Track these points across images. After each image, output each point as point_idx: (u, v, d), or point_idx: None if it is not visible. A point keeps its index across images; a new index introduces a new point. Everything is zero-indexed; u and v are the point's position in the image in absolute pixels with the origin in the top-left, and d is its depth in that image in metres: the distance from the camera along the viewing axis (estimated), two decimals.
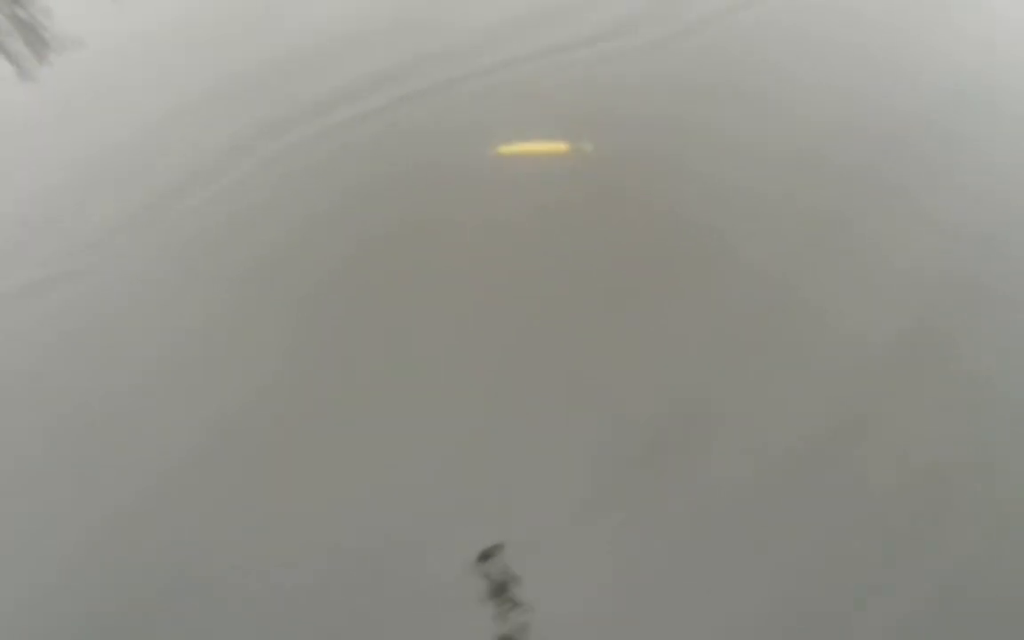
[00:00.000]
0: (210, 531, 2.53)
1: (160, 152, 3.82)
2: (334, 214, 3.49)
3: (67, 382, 2.97)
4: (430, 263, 3.26)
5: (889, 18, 4.36)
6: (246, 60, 4.31)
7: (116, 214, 3.56)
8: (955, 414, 2.68)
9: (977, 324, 2.91)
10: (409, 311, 3.09)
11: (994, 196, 3.37)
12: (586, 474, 2.59)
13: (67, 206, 3.63)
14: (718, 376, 2.82)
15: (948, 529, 2.42)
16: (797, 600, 2.33)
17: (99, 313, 3.20)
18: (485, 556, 2.41)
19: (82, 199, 3.65)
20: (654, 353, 2.91)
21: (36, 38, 4.76)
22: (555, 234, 3.35)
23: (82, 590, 2.43)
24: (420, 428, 2.73)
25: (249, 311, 3.13)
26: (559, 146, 3.63)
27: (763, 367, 2.84)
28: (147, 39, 4.62)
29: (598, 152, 3.61)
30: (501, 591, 2.36)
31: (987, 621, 2.26)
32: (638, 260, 3.23)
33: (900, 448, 2.61)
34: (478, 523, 2.49)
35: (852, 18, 4.38)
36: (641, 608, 2.33)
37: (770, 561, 2.40)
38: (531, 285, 3.16)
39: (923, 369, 2.80)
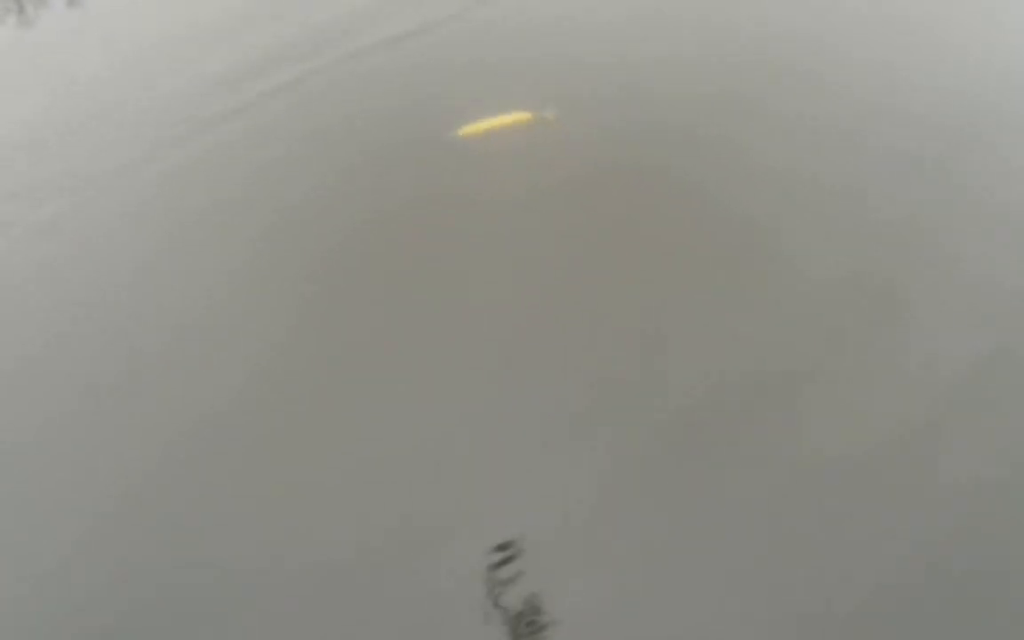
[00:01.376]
0: (211, 517, 2.48)
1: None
2: (336, 191, 3.43)
3: (64, 367, 2.91)
4: (444, 241, 3.18)
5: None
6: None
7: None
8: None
9: None
10: (424, 290, 3.02)
11: None
12: (605, 467, 2.48)
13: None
14: (753, 369, 2.70)
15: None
16: (831, 607, 2.23)
17: (98, 295, 3.19)
18: (500, 550, 2.32)
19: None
20: (683, 339, 2.80)
21: None
22: (576, 209, 3.25)
23: (84, 577, 2.38)
24: (433, 410, 2.64)
25: (255, 291, 3.06)
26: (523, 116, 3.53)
27: (812, 362, 2.72)
28: None
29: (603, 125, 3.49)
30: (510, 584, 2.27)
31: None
32: (664, 241, 3.12)
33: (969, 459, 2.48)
34: (492, 514, 2.40)
35: None
36: (655, 607, 2.24)
37: (805, 563, 2.29)
38: (547, 263, 3.07)
39: (999, 383, 2.66)
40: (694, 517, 2.37)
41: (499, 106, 3.56)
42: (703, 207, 3.19)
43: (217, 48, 4.25)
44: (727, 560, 2.30)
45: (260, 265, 3.19)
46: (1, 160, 3.75)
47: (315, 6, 4.33)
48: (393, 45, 3.95)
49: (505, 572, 2.28)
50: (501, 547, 2.33)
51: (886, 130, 3.46)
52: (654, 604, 2.24)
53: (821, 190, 3.24)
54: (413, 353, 2.82)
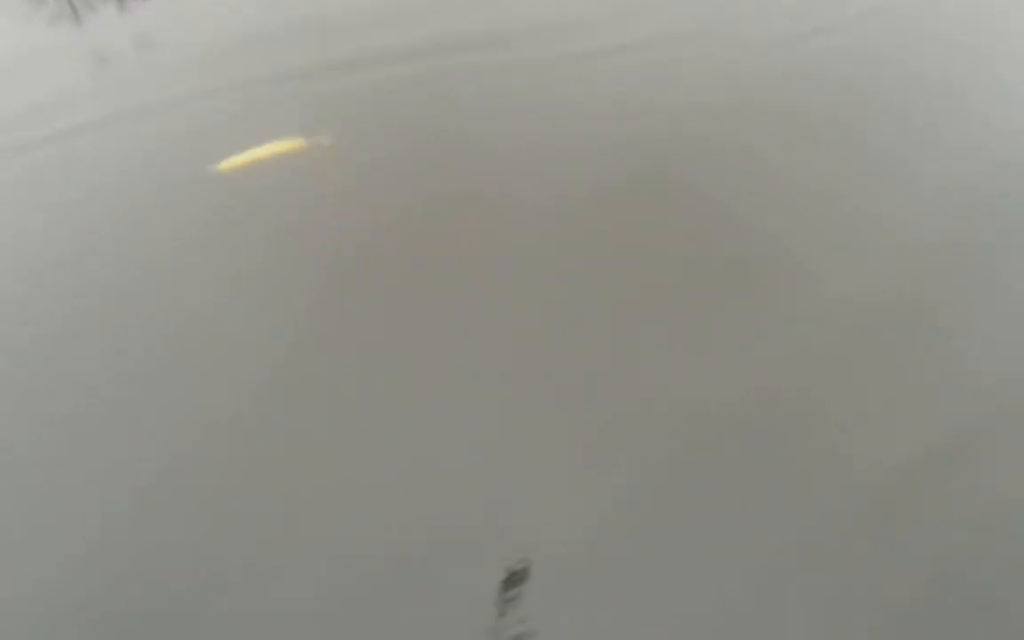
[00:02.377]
0: (219, 519, 2.40)
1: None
2: (351, 193, 3.37)
3: (66, 363, 2.80)
4: (456, 245, 3.10)
5: None
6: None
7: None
8: None
9: None
10: (433, 297, 2.93)
11: None
12: (620, 484, 2.40)
13: None
14: (776, 387, 2.63)
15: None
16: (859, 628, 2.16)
17: (98, 295, 3.05)
18: (510, 579, 2.23)
19: None
20: (703, 356, 2.72)
21: None
22: (596, 220, 3.19)
23: (89, 578, 2.30)
24: (439, 422, 2.55)
25: (266, 290, 2.98)
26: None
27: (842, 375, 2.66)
28: None
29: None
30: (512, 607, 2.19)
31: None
32: (680, 254, 3.06)
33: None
34: (501, 529, 2.31)
35: None
36: (671, 632, 2.15)
37: (827, 586, 2.21)
38: (563, 275, 3.00)
39: None
40: (713, 538, 2.28)
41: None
42: (721, 221, 3.15)
43: None
44: (747, 582, 2.21)
45: (272, 264, 3.09)
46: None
47: None
48: None
49: (514, 590, 2.19)
50: (510, 565, 2.23)
51: (921, 153, 3.43)
52: (670, 629, 2.15)
53: (848, 209, 3.19)
54: (424, 358, 2.73)
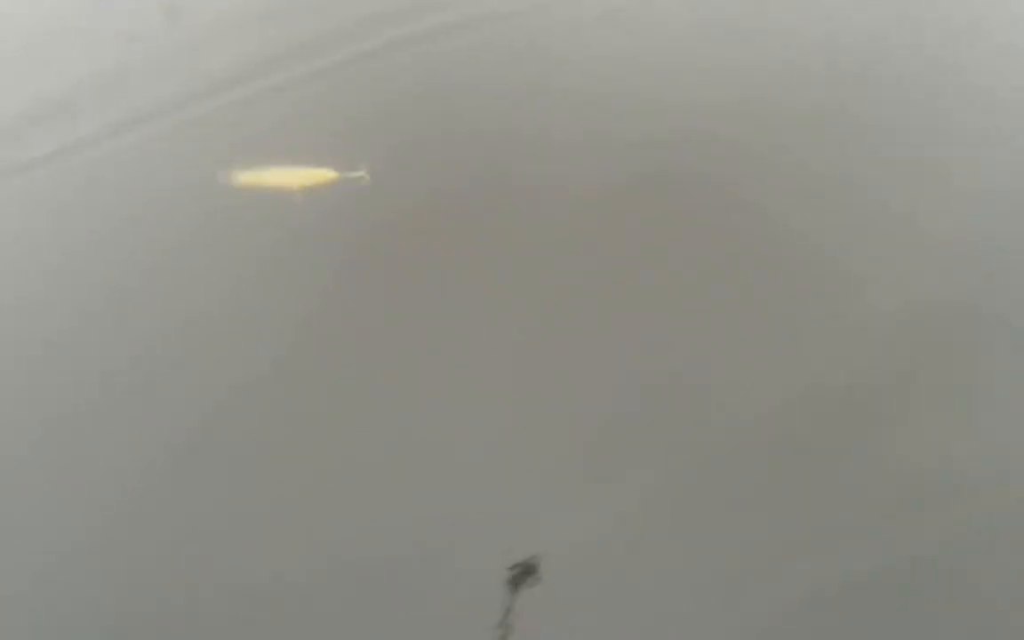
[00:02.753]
0: (219, 520, 2.41)
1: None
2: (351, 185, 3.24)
3: (64, 360, 2.80)
4: (460, 242, 3.03)
5: None
6: None
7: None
8: None
9: None
10: (435, 295, 2.87)
11: None
12: (634, 488, 2.36)
13: None
14: (803, 393, 2.55)
15: None
16: None
17: (103, 296, 3.06)
18: (516, 574, 2.22)
19: None
20: (726, 358, 2.65)
21: None
22: (601, 218, 3.10)
23: (84, 578, 2.32)
24: (444, 420, 2.52)
25: (268, 287, 2.95)
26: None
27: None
28: None
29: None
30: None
31: None
32: (701, 254, 2.98)
33: None
34: (507, 531, 2.29)
35: None
36: None
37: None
38: (571, 269, 2.93)
39: None
40: (733, 552, 2.23)
41: None
42: (738, 216, 3.05)
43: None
44: (761, 600, 2.16)
45: (273, 262, 3.05)
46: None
47: None
48: None
49: (522, 593, 2.18)
50: (515, 564, 2.21)
51: (954, 151, 3.26)
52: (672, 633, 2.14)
53: (873, 204, 3.06)
54: (425, 358, 2.70)
